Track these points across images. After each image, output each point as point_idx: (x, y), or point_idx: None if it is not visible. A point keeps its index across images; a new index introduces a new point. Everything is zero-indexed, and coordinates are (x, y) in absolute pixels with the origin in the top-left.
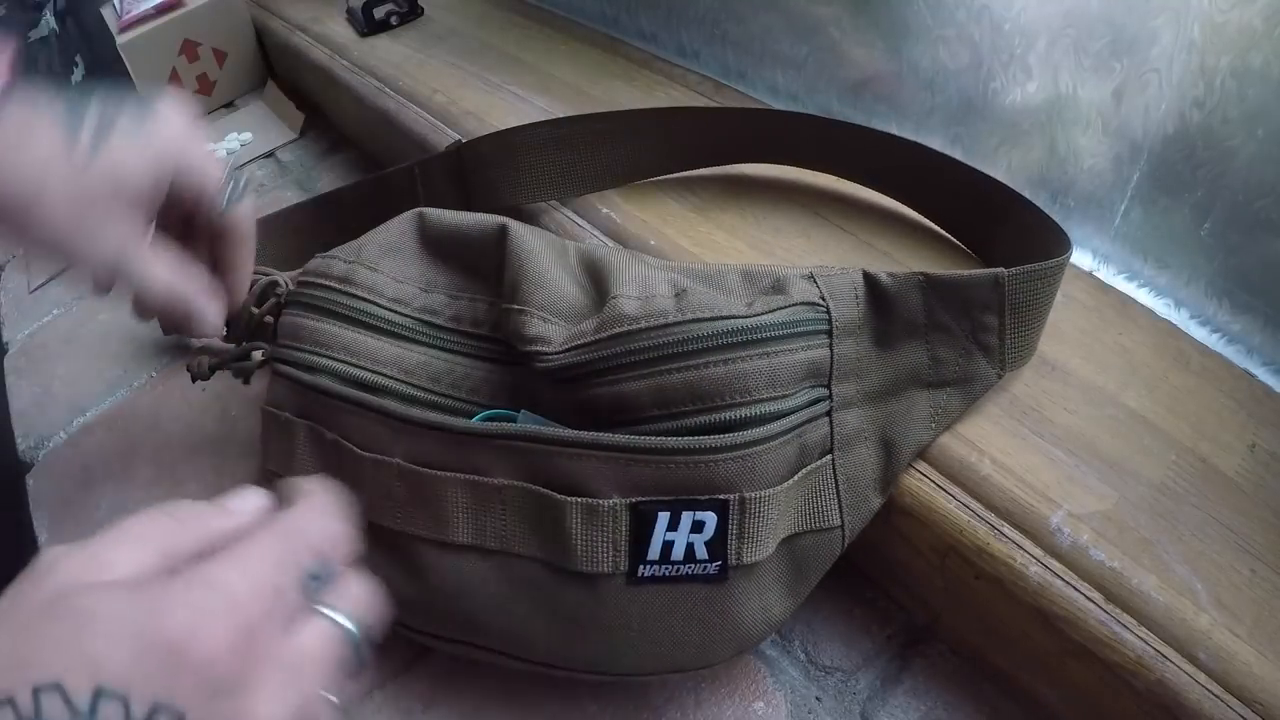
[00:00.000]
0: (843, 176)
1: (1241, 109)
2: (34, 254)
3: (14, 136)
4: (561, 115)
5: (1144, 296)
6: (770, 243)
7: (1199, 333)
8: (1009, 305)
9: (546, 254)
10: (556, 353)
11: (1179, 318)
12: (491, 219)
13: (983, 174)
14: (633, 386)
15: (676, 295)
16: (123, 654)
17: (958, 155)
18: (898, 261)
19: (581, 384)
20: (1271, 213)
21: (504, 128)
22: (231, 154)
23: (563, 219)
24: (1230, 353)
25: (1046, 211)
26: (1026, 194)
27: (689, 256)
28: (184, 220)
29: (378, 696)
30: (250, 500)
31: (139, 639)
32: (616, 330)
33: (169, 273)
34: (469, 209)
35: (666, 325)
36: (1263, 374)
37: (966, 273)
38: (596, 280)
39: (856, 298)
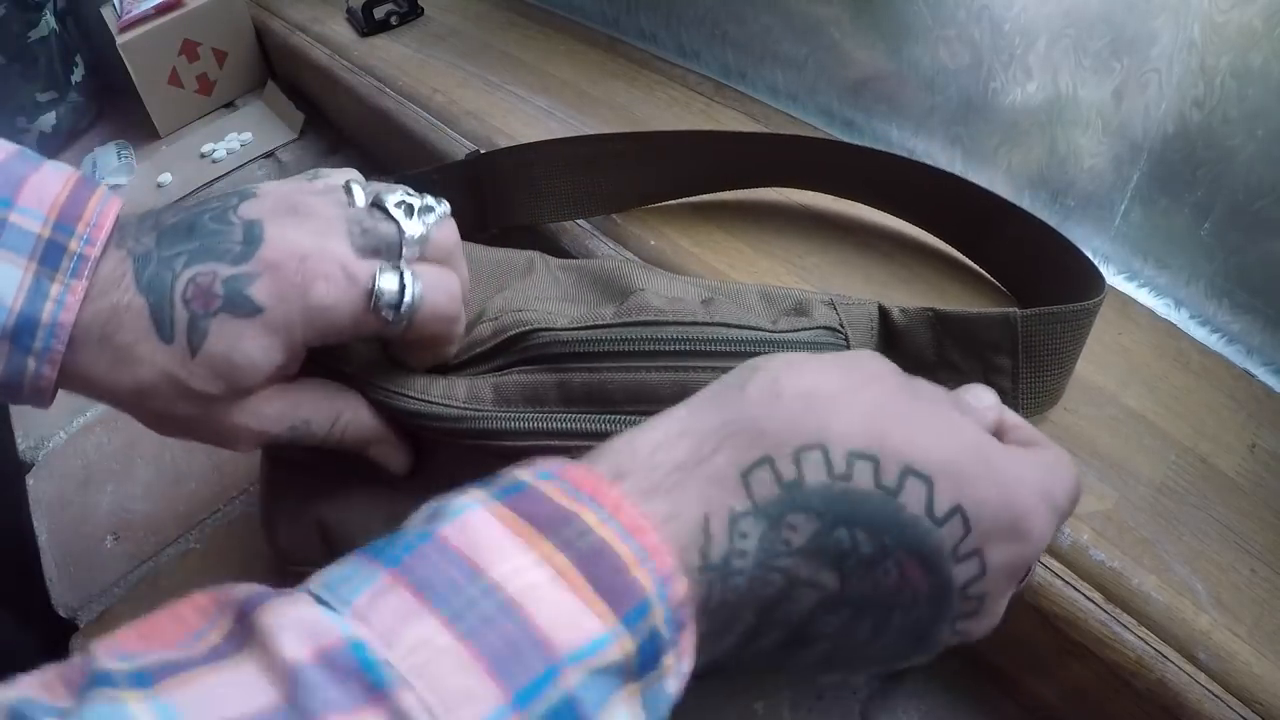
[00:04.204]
0: (873, 205)
1: (1241, 109)
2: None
3: (104, 330)
4: (562, 114)
5: (1144, 296)
6: (771, 242)
7: (1199, 333)
8: (1023, 347)
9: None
10: (573, 327)
11: (1179, 318)
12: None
13: (1023, 210)
14: (654, 377)
15: (704, 303)
16: (882, 425)
17: (957, 155)
18: (901, 264)
19: (592, 365)
20: (1271, 213)
21: (515, 136)
22: (231, 154)
23: None
24: (1230, 353)
25: (1065, 236)
26: (1026, 194)
27: (689, 255)
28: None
29: None
30: (986, 398)
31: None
32: (643, 317)
33: (367, 419)
34: (484, 224)
35: (696, 323)
36: (1263, 374)
37: (976, 310)
38: (611, 287)
39: (872, 330)
